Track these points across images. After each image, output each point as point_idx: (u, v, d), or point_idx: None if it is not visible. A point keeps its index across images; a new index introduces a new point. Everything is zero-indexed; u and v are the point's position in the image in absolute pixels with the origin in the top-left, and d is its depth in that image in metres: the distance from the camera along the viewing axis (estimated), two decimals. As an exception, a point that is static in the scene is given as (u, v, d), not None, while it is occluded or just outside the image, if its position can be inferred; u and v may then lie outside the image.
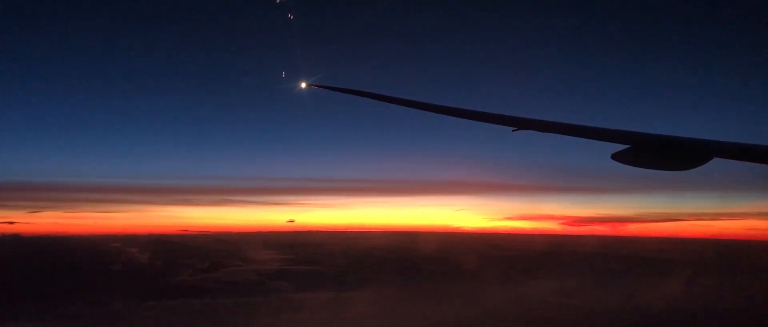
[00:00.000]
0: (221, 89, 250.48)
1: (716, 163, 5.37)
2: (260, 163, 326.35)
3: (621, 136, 5.96)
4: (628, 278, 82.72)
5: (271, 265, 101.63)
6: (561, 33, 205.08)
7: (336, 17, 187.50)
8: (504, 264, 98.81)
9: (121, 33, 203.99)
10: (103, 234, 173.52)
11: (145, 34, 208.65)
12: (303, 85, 10.19)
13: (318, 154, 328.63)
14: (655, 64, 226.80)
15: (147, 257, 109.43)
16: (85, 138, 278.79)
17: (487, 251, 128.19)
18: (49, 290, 69.25)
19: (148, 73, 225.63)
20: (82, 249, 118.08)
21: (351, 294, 69.07)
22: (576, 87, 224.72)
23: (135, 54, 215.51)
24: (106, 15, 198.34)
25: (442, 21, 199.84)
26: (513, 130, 6.77)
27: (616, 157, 5.78)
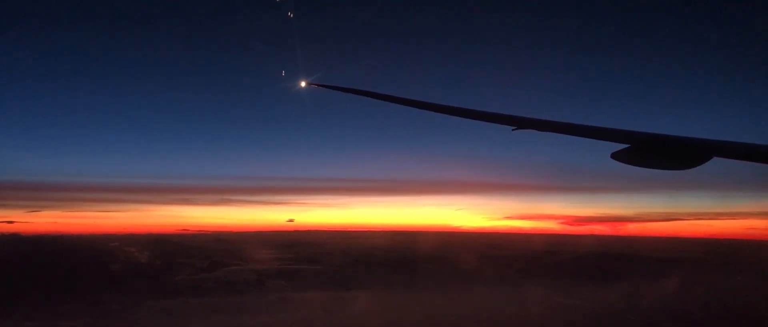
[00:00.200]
0: (221, 88, 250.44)
1: (716, 162, 5.37)
2: (260, 162, 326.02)
3: (621, 136, 5.96)
4: (627, 278, 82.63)
5: (270, 265, 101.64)
6: (561, 32, 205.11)
7: (336, 16, 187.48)
8: (503, 263, 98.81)
9: (120, 32, 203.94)
10: (102, 233, 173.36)
11: (145, 34, 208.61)
12: (303, 84, 10.20)
13: (318, 154, 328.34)
14: (654, 64, 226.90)
15: (146, 256, 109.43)
16: (85, 137, 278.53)
17: (486, 251, 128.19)
18: (48, 289, 69.22)
19: (148, 72, 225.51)
20: (81, 248, 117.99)
21: (350, 293, 69.08)
22: (576, 86, 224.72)
23: (134, 53, 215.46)
24: (105, 14, 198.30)
25: (441, 20, 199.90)
26: (513, 130, 6.77)
27: (615, 156, 5.78)
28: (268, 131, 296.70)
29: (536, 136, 6.71)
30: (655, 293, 69.24)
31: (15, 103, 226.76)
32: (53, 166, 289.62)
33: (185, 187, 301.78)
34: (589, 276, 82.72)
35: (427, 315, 57.50)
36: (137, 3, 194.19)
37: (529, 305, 62.44)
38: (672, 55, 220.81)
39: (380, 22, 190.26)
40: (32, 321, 54.85)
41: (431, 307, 61.13)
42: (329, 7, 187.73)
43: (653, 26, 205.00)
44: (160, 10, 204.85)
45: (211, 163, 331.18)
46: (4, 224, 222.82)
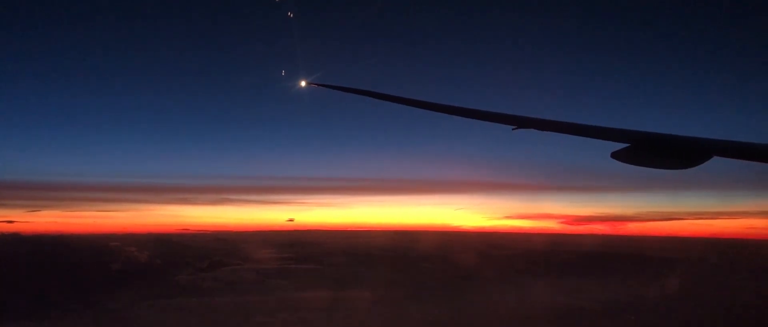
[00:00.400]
0: (220, 88, 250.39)
1: (716, 161, 5.37)
2: (260, 162, 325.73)
3: (621, 135, 5.96)
4: (628, 277, 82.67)
5: (270, 264, 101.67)
6: (561, 32, 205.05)
7: (336, 16, 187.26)
8: (503, 263, 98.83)
9: (120, 32, 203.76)
10: (102, 233, 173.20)
11: (144, 33, 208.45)
12: (303, 83, 10.19)
13: (318, 153, 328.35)
14: (654, 63, 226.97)
15: (146, 256, 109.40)
16: (85, 137, 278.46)
17: (486, 250, 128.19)
18: (48, 289, 69.25)
19: (147, 71, 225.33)
20: (81, 248, 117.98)
21: (350, 293, 69.05)
22: (576, 86, 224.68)
23: (134, 53, 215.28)
24: (105, 14, 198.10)
25: (441, 20, 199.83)
26: (513, 129, 6.77)
27: (615, 155, 5.78)
28: (268, 131, 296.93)
29: (536, 136, 6.71)
30: (656, 292, 69.24)
31: (15, 103, 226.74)
32: (53, 165, 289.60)
33: (185, 187, 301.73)
34: (589, 275, 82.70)
35: (427, 315, 57.54)
36: (137, 3, 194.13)
37: (529, 305, 62.46)
38: (672, 55, 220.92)
39: (380, 22, 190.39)
40: (32, 320, 54.88)
41: (431, 307, 61.15)
42: (329, 6, 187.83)
43: (653, 26, 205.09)
44: (160, 10, 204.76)
45: (210, 162, 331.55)
46: (5, 224, 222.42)
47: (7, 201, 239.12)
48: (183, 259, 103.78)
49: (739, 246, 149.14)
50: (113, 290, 69.55)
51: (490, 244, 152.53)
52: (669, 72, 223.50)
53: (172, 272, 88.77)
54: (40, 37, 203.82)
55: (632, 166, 5.72)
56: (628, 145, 5.77)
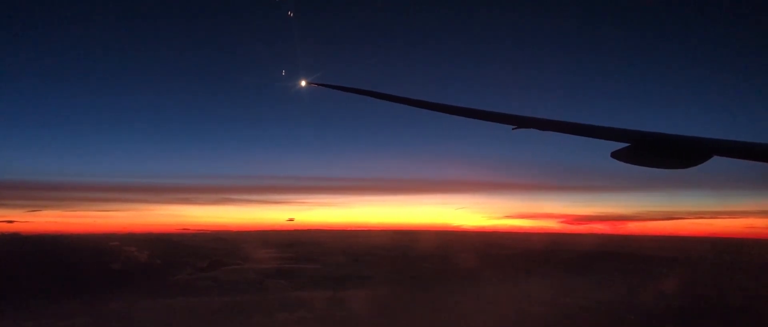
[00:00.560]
0: (221, 88, 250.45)
1: (716, 161, 5.37)
2: (260, 161, 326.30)
3: (621, 135, 5.96)
4: (627, 277, 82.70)
5: (270, 264, 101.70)
6: (561, 31, 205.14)
7: (336, 15, 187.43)
8: (503, 263, 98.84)
9: (120, 32, 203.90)
10: (102, 233, 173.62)
11: (145, 33, 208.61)
12: (303, 83, 10.19)
13: (318, 153, 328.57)
14: (655, 63, 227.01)
15: (146, 256, 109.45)
16: (85, 137, 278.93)
17: (486, 250, 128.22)
18: (48, 289, 69.22)
19: (147, 71, 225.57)
20: (81, 248, 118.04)
21: (350, 293, 69.08)
22: (576, 85, 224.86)
23: (134, 53, 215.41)
24: (105, 14, 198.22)
25: (441, 19, 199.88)
26: (513, 129, 6.77)
27: (615, 155, 5.78)
28: (268, 131, 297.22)
29: (536, 136, 6.71)
30: (656, 291, 69.27)
31: (15, 103, 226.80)
32: (53, 165, 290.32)
33: (185, 187, 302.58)
34: (589, 275, 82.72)
35: (427, 314, 57.54)
36: (137, 3, 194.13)
37: (529, 304, 62.48)
38: (672, 55, 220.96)
39: (380, 21, 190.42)
40: (32, 320, 54.87)
41: (431, 307, 61.16)
42: (329, 6, 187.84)
43: (653, 26, 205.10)
44: (160, 10, 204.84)
45: (211, 162, 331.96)
46: (5, 224, 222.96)
47: (7, 201, 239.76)
48: (183, 259, 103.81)
49: (738, 245, 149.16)
50: (113, 290, 69.53)
51: (491, 243, 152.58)
52: (669, 72, 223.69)
53: (171, 272, 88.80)
54: (40, 37, 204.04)
55: (632, 165, 5.72)
56: (628, 144, 5.77)
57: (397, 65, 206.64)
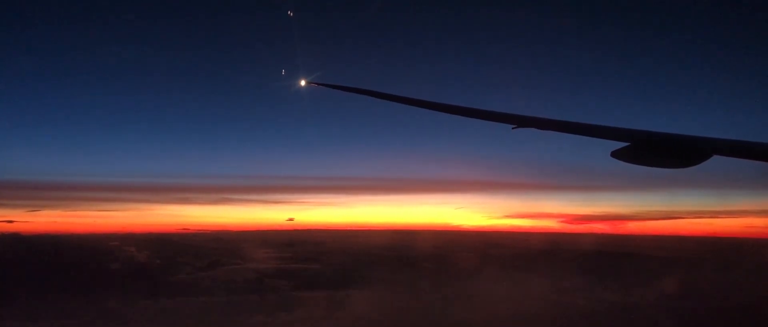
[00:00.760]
0: (220, 87, 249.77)
1: (716, 160, 5.38)
2: (260, 161, 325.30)
3: (621, 134, 5.96)
4: (627, 276, 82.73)
5: (269, 264, 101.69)
6: (561, 31, 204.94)
7: (336, 15, 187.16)
8: (503, 262, 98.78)
9: (119, 32, 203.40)
10: (102, 233, 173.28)
11: (144, 33, 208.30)
12: (303, 82, 10.22)
13: (318, 153, 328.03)
14: (654, 62, 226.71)
15: (146, 256, 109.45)
16: (85, 137, 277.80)
17: (486, 249, 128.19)
18: (47, 289, 69.21)
19: (147, 71, 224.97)
20: (81, 247, 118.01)
21: (350, 292, 69.10)
22: (576, 85, 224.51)
23: (134, 52, 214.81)
24: (105, 14, 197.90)
25: (441, 19, 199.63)
26: (513, 128, 6.78)
27: (615, 154, 5.79)
28: (268, 130, 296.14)
29: (536, 135, 6.72)
30: (655, 291, 69.29)
31: (15, 103, 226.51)
32: (53, 165, 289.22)
33: (185, 186, 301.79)
34: (589, 274, 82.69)
35: (427, 314, 57.56)
36: (137, 3, 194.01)
37: (529, 304, 62.45)
38: (672, 54, 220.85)
39: (380, 21, 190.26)
40: (32, 320, 54.87)
41: (431, 306, 61.18)
42: (329, 5, 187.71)
43: (653, 25, 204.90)
44: (160, 10, 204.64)
45: (210, 162, 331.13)
46: (4, 224, 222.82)
47: (6, 201, 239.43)
48: (182, 259, 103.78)
49: (738, 245, 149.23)
50: (113, 290, 69.50)
51: (490, 243, 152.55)
52: (669, 71, 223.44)
53: (171, 272, 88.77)
54: (40, 37, 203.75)
55: (632, 165, 5.73)
56: (628, 144, 5.78)
57: (397, 65, 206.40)
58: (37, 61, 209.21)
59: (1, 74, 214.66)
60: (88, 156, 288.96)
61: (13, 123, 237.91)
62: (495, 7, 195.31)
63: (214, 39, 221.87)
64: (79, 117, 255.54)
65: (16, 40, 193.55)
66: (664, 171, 5.77)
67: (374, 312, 58.27)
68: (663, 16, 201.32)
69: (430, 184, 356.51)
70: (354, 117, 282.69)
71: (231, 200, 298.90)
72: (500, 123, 6.90)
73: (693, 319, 57.33)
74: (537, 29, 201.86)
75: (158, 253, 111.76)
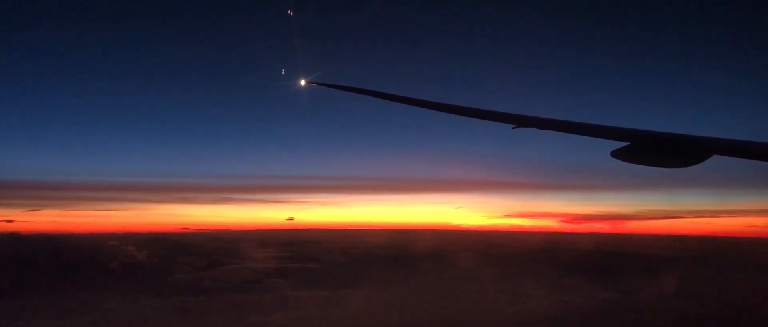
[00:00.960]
0: (220, 87, 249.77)
1: (716, 160, 5.37)
2: (260, 161, 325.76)
3: (621, 134, 5.96)
4: (627, 275, 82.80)
5: (269, 263, 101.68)
6: (561, 30, 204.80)
7: (336, 15, 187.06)
8: (503, 262, 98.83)
9: (119, 31, 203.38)
10: (101, 232, 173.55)
11: (144, 32, 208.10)
12: (303, 82, 10.21)
13: (317, 152, 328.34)
14: (654, 62, 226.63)
15: (145, 255, 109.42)
16: (84, 136, 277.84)
17: (486, 249, 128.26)
18: (47, 288, 69.25)
19: (147, 70, 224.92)
20: (80, 247, 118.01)
21: (349, 292, 69.06)
22: (576, 84, 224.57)
23: (133, 51, 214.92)
24: (105, 14, 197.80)
25: (441, 18, 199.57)
26: (513, 128, 6.77)
27: (615, 154, 5.78)
28: (267, 130, 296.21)
29: (536, 134, 6.71)
30: (655, 291, 69.31)
31: (15, 102, 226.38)
32: (53, 165, 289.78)
33: (185, 186, 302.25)
34: (588, 274, 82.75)
35: (426, 313, 57.53)
36: (137, 3, 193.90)
37: (528, 303, 62.50)
38: (672, 53, 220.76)
39: (380, 20, 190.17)
40: (31, 320, 54.84)
41: (431, 306, 61.15)
42: (329, 6, 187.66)
43: (653, 24, 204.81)
44: (160, 10, 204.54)
45: (210, 161, 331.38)
46: (4, 223, 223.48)
47: (6, 200, 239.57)
48: (182, 258, 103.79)
49: (738, 244, 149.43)
50: (112, 289, 69.51)
51: (490, 242, 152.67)
52: (669, 71, 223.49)
53: (170, 271, 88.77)
54: (40, 37, 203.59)
55: (632, 164, 5.72)
56: (627, 143, 5.78)
57: (397, 64, 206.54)
58: (37, 61, 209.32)
59: (1, 74, 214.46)
60: (87, 155, 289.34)
61: (12, 123, 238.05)
62: (495, 7, 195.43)
63: (214, 39, 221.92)
64: (79, 117, 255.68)
65: (16, 40, 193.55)
66: (664, 171, 5.76)
67: (374, 312, 58.25)
68: (663, 16, 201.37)
69: (430, 183, 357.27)
70: (354, 117, 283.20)
71: (231, 200, 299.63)
72: (500, 123, 6.90)
73: (693, 319, 57.32)
74: (537, 29, 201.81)
75: (158, 252, 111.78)
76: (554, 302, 63.40)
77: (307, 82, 10.22)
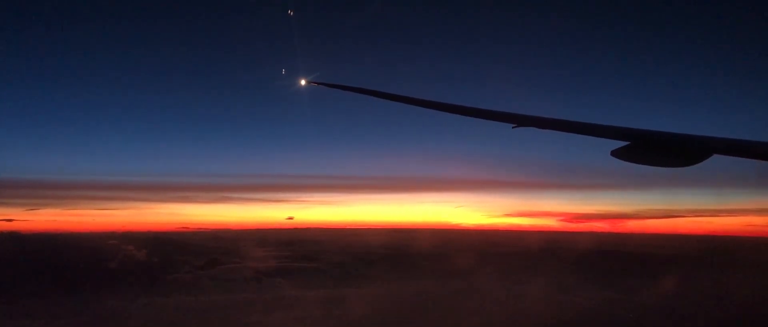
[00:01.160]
0: (220, 86, 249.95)
1: (715, 159, 5.37)
2: (259, 160, 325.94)
3: (620, 133, 5.96)
4: (626, 275, 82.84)
5: (269, 263, 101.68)
6: (561, 30, 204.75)
7: (336, 15, 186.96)
8: (503, 261, 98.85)
9: (119, 31, 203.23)
10: (101, 231, 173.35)
11: (144, 31, 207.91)
12: (303, 82, 10.20)
13: (317, 151, 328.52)
14: (654, 61, 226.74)
15: (145, 254, 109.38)
16: (84, 135, 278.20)
17: (486, 248, 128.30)
18: (46, 287, 69.23)
19: (147, 69, 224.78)
20: (80, 246, 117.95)
21: (349, 291, 69.10)
22: (575, 84, 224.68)
23: (133, 51, 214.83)
24: (104, 13, 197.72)
25: (441, 18, 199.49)
26: (513, 127, 6.77)
27: (615, 153, 5.78)
28: (267, 129, 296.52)
29: (536, 134, 6.71)
30: (654, 290, 69.35)
31: (15, 102, 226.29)
32: (52, 164, 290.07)
33: (184, 185, 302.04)
34: (588, 273, 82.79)
35: (426, 313, 57.53)
36: (137, 3, 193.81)
37: (528, 302, 62.52)
38: (672, 53, 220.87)
39: (380, 20, 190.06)
40: (31, 319, 54.84)
41: (430, 305, 61.16)
42: (329, 6, 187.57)
43: (653, 24, 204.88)
44: (159, 9, 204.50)
45: (210, 160, 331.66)
46: (3, 222, 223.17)
47: (5, 199, 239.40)
48: (181, 258, 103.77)
49: (738, 243, 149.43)
50: (111, 288, 69.53)
51: (490, 242, 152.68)
52: (669, 70, 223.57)
53: (170, 270, 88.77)
54: (40, 37, 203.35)
55: (632, 164, 5.72)
56: (627, 143, 5.78)
57: (397, 64, 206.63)
58: (37, 61, 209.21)
59: (1, 74, 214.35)
60: (87, 155, 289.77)
61: (12, 122, 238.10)
62: (495, 7, 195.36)
63: (214, 39, 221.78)
64: (79, 116, 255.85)
65: (16, 40, 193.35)
66: (664, 170, 5.76)
67: (373, 311, 58.26)
68: (663, 16, 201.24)
69: (429, 182, 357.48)
70: (354, 116, 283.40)
71: (230, 199, 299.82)
72: (500, 122, 6.90)
73: (693, 318, 57.36)
74: (537, 29, 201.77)
75: (157, 251, 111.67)
76: (554, 302, 63.41)
77: (307, 82, 10.21)
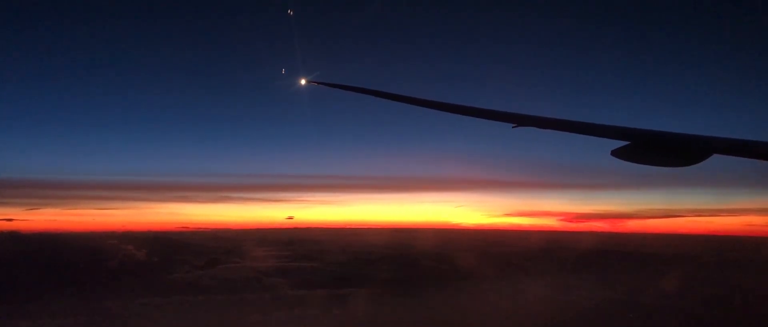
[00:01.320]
0: (220, 86, 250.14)
1: (716, 159, 5.37)
2: (259, 159, 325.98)
3: (621, 133, 5.95)
4: (627, 275, 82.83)
5: (269, 262, 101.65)
6: (561, 30, 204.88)
7: (336, 15, 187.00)
8: (503, 261, 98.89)
9: (119, 31, 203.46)
10: (100, 231, 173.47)
11: (144, 32, 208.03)
12: (303, 81, 10.18)
13: (317, 151, 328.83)
14: (655, 61, 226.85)
15: (144, 254, 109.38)
16: (84, 135, 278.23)
17: (486, 248, 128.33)
18: (46, 287, 69.18)
19: (147, 69, 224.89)
20: (79, 246, 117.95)
21: (349, 291, 69.07)
22: (576, 84, 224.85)
23: (133, 51, 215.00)
24: (104, 13, 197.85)
25: (441, 18, 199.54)
26: (513, 127, 6.77)
27: (615, 153, 5.78)
28: (267, 129, 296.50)
29: (536, 134, 6.70)
30: (655, 290, 69.35)
31: (15, 102, 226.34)
32: (52, 164, 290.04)
33: (184, 185, 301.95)
34: (588, 273, 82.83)
35: (426, 313, 57.55)
36: (137, 3, 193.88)
37: (528, 302, 62.54)
38: (672, 53, 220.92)
39: (380, 20, 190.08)
40: (30, 319, 54.83)
41: (430, 305, 61.19)
42: (329, 6, 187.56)
43: (653, 24, 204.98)
44: (159, 9, 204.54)
45: (210, 160, 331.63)
46: (3, 222, 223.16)
47: (5, 199, 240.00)
48: (181, 257, 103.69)
49: (738, 243, 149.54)
50: (111, 288, 69.52)
51: (490, 241, 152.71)
52: (669, 70, 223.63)
53: (170, 270, 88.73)
54: (40, 37, 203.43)
55: (632, 163, 5.72)
56: (628, 143, 5.77)
57: (397, 64, 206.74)
58: (37, 61, 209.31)
59: (1, 74, 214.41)
60: (87, 154, 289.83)
61: (12, 122, 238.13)
62: (495, 7, 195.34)
63: (214, 39, 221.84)
64: (79, 116, 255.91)
65: (16, 40, 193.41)
66: (664, 170, 5.76)
67: (374, 310, 58.29)
68: (663, 16, 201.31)
69: (430, 182, 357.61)
70: (354, 116, 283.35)
71: (230, 198, 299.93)
72: (500, 122, 6.90)
73: (693, 318, 57.37)
74: (537, 29, 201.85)
75: (157, 251, 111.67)
76: (554, 301, 63.44)
77: (307, 82, 10.19)
